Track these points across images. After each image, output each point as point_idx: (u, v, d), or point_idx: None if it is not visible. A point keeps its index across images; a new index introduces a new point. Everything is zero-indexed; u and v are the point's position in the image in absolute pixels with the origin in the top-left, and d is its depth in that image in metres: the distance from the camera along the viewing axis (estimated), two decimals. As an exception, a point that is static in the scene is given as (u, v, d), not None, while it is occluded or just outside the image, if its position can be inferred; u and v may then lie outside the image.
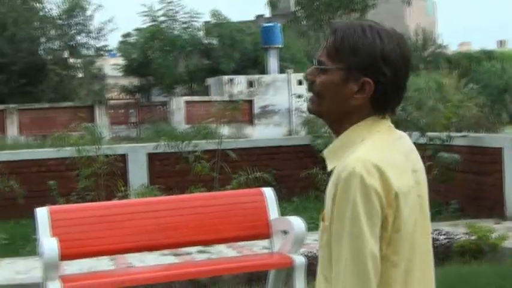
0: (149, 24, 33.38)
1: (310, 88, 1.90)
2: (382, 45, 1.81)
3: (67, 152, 9.67)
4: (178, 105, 27.67)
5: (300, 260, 5.63)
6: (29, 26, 30.38)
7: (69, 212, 5.83)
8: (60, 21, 31.51)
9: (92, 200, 9.40)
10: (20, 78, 29.88)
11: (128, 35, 35.17)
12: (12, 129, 27.04)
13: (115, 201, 7.97)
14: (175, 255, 7.47)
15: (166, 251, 7.18)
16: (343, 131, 1.86)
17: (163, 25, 33.23)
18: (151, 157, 11.12)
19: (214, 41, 33.04)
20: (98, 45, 32.46)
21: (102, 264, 7.13)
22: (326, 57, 1.85)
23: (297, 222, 5.72)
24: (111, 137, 23.05)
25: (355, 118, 1.85)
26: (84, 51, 32.13)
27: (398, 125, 2.15)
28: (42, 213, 5.45)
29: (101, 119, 26.74)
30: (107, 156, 9.83)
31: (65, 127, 12.77)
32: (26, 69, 29.46)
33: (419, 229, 1.84)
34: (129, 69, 34.32)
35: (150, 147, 11.28)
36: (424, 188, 1.91)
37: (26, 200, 9.88)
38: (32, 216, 9.25)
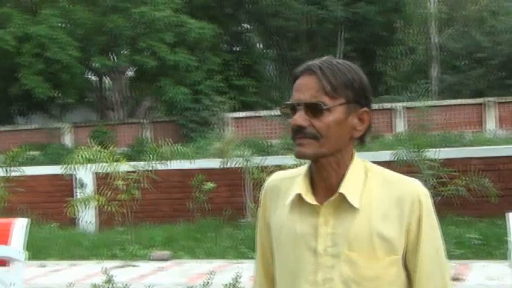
0: None
1: (300, 133, 1.84)
2: (362, 76, 1.88)
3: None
4: None
5: None
6: (508, 17, 29.72)
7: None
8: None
9: None
10: (499, 71, 29.53)
11: None
12: (490, 123, 26.78)
13: None
14: None
15: None
16: (343, 167, 1.87)
17: None
18: None
19: None
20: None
21: None
22: (323, 96, 1.82)
23: None
24: None
25: (349, 151, 1.88)
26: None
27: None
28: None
29: None
30: None
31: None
32: (506, 62, 28.92)
33: None
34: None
35: None
36: None
37: (499, 199, 9.41)
38: (504, 216, 8.87)
